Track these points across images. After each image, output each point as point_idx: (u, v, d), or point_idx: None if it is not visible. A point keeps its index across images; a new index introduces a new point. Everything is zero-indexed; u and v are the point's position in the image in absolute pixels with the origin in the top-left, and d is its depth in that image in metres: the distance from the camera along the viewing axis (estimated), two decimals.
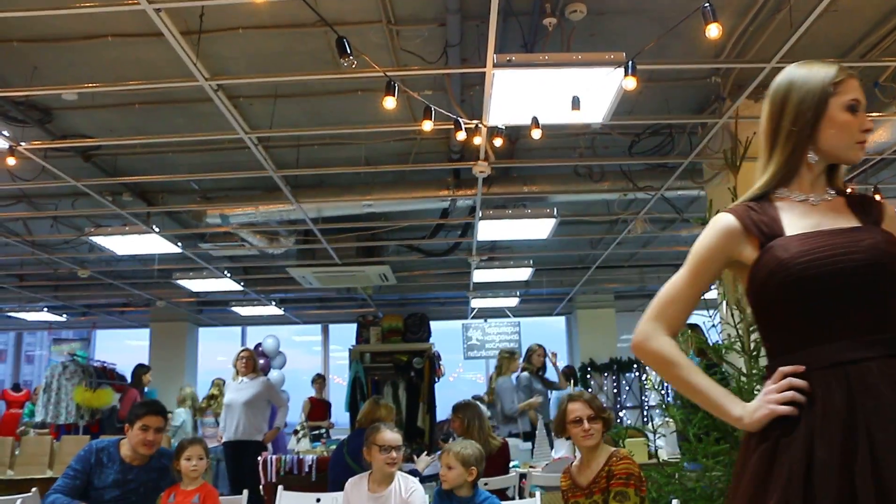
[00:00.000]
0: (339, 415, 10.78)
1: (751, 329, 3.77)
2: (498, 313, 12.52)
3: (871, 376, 1.58)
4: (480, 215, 6.76)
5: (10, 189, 6.43)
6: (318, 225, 7.30)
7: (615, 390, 12.35)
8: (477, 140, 4.80)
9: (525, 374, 8.07)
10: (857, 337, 1.62)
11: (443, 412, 10.03)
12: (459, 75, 4.76)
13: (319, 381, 11.00)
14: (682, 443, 4.31)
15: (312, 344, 14.43)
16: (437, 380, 10.69)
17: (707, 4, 3.31)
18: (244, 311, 12.18)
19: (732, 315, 3.75)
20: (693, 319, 2.77)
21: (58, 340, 12.53)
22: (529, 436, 7.20)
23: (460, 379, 11.41)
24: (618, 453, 3.67)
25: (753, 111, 5.16)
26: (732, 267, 1.82)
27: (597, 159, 6.16)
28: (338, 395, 11.92)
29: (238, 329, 14.18)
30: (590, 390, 10.62)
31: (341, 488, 4.27)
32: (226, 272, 9.28)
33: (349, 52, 3.46)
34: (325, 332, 14.23)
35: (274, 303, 11.68)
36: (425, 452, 5.81)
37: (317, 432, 9.05)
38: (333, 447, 6.35)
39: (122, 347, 14.71)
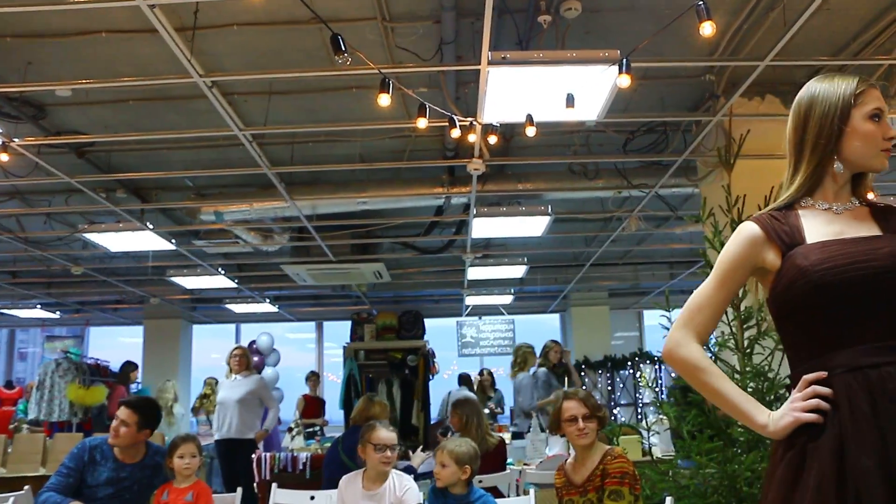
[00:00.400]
0: (334, 412, 10.78)
1: (744, 326, 3.78)
2: (492, 311, 12.53)
3: (891, 381, 1.61)
4: (475, 213, 6.76)
5: (4, 185, 6.42)
6: (313, 222, 7.30)
7: (609, 388, 12.37)
8: (471, 137, 4.80)
9: (543, 370, 8.09)
10: (877, 342, 1.66)
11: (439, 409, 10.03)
12: (454, 73, 4.76)
13: (314, 378, 10.99)
14: (676, 440, 4.31)
15: (307, 341, 14.42)
16: (431, 377, 10.70)
17: (701, 2, 3.31)
18: (238, 308, 12.16)
19: (726, 312, 3.76)
20: None
21: (51, 337, 12.49)
22: None
23: (454, 377, 11.41)
24: (612, 452, 3.68)
25: (747, 109, 5.18)
26: (757, 274, 1.87)
27: (591, 157, 6.17)
28: (332, 392, 11.91)
29: (232, 326, 14.16)
30: (584, 388, 10.66)
31: (336, 486, 4.27)
32: (220, 269, 9.27)
33: (344, 49, 3.45)
34: (320, 329, 14.23)
35: (268, 300, 11.67)
36: (421, 448, 5.81)
37: (311, 430, 9.04)
38: (327, 445, 6.36)
39: (116, 345, 14.70)
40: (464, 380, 10.83)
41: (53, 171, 5.78)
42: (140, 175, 6.39)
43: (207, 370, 10.62)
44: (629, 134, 5.80)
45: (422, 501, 4.10)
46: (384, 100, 3.86)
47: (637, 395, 12.39)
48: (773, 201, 1.91)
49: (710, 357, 3.90)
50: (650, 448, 6.01)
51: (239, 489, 4.56)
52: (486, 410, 8.79)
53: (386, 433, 4.14)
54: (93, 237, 7.26)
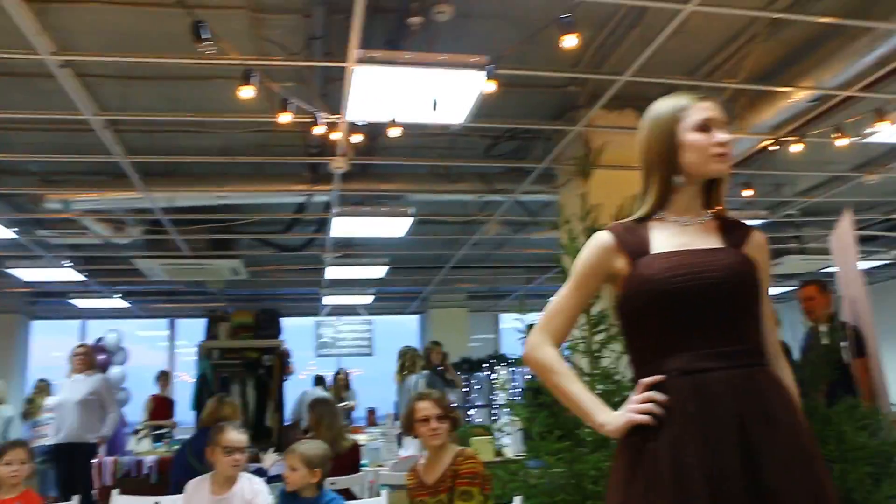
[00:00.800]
0: (185, 414, 10.44)
1: (594, 331, 3.92)
2: (351, 311, 12.47)
3: (716, 385, 1.74)
4: (336, 211, 6.71)
5: None
6: (168, 215, 7.03)
7: (466, 389, 12.54)
8: (335, 135, 4.76)
9: (427, 372, 8.11)
10: (708, 348, 1.78)
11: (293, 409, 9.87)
12: (322, 69, 4.71)
13: (164, 378, 10.61)
14: (527, 441, 4.42)
15: (158, 339, 13.88)
16: (287, 378, 10.54)
17: (566, 15, 3.43)
18: (84, 303, 11.55)
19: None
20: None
21: None
22: None
23: (311, 377, 11.29)
24: (463, 452, 3.73)
25: (607, 121, 5.38)
26: (610, 281, 1.96)
27: (455, 160, 6.25)
28: (185, 393, 11.52)
29: (77, 323, 13.42)
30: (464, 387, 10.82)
31: (183, 491, 4.14)
32: (65, 261, 8.78)
33: (206, 37, 3.36)
34: (172, 327, 13.74)
35: (118, 295, 11.15)
36: (273, 449, 5.70)
37: (159, 432, 8.72)
38: (177, 447, 6.14)
39: None
40: (319, 381, 10.74)
41: None
42: None
43: (48, 370, 10.05)
44: (493, 139, 5.91)
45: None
46: (247, 92, 3.78)
47: (492, 396, 12.62)
48: (627, 211, 2.03)
49: (567, 359, 4.04)
50: (502, 448, 6.14)
51: (75, 497, 4.33)
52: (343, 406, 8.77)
53: (236, 435, 4.04)
54: None
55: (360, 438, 7.55)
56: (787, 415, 1.77)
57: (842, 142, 5.14)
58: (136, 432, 8.32)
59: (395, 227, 7.20)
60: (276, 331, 10.72)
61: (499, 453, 5.97)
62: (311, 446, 3.94)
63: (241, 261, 8.53)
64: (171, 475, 5.21)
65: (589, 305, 3.91)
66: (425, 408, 3.78)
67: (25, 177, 6.45)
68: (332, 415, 5.22)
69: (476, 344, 13.30)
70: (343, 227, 7.24)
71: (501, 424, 5.56)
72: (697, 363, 1.76)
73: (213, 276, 9.23)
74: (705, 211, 1.95)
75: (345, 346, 12.31)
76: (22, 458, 4.14)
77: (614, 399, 3.77)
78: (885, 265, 10.69)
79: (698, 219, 1.93)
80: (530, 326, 3.36)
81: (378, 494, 4.68)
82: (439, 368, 8.47)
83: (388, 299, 12.40)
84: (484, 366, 12.52)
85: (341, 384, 10.57)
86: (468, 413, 12.18)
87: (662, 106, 1.96)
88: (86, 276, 9.41)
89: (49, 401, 8.68)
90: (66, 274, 9.13)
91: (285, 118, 4.12)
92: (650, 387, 1.78)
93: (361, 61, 3.83)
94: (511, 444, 6.12)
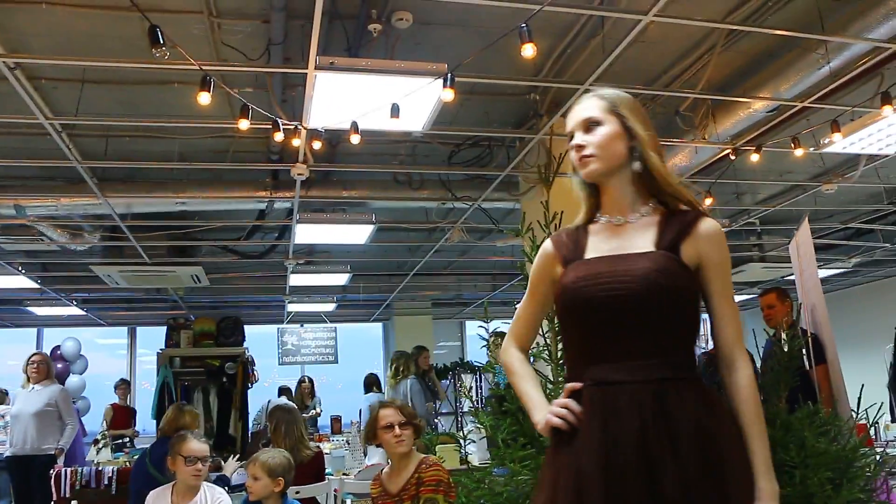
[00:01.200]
0: (147, 422, 10.29)
1: (558, 339, 3.91)
2: (314, 318, 12.38)
3: (621, 398, 1.73)
4: (298, 218, 6.65)
5: None
6: (127, 221, 6.92)
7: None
8: (296, 142, 4.72)
9: (414, 378, 8.10)
10: (617, 361, 1.77)
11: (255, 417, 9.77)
12: (281, 75, 4.66)
13: (123, 386, 10.45)
14: (492, 448, 4.41)
15: (118, 347, 13.67)
16: (250, 386, 10.44)
17: (524, 25, 3.42)
18: (41, 310, 11.33)
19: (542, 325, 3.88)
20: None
21: None
22: None
23: (275, 385, 11.19)
24: (427, 460, 3.72)
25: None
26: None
27: (417, 167, 6.23)
28: (146, 401, 11.35)
29: (34, 331, 13.17)
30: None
31: (143, 501, 4.08)
32: (20, 268, 8.60)
33: (161, 42, 3.30)
34: (133, 334, 13.53)
35: (75, 303, 10.95)
36: (234, 457, 5.62)
37: (119, 441, 8.60)
38: (137, 457, 6.05)
39: None
40: (283, 391, 10.65)
41: None
42: None
43: (2, 379, 9.84)
44: (455, 147, 5.90)
45: None
46: (204, 98, 3.73)
47: (458, 404, 12.58)
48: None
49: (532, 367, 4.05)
50: (466, 456, 6.12)
51: None
52: (308, 416, 8.70)
53: (197, 444, 3.99)
54: None
55: (325, 447, 7.50)
56: (698, 429, 1.70)
57: (799, 152, 5.20)
58: (96, 442, 8.20)
59: (358, 234, 7.17)
60: (238, 338, 10.62)
61: (465, 461, 5.94)
62: (273, 455, 3.92)
63: (201, 268, 8.43)
64: (131, 485, 5.15)
65: (552, 313, 3.93)
66: (388, 415, 3.78)
67: None
68: (291, 422, 5.17)
69: (441, 351, 13.28)
70: (305, 234, 7.19)
71: (468, 432, 5.53)
72: (609, 375, 1.76)
73: (173, 283, 9.11)
74: (645, 205, 1.90)
75: (308, 354, 12.21)
76: None
77: None
78: (844, 273, 10.86)
79: (634, 215, 1.89)
80: (496, 333, 3.38)
81: (343, 503, 4.65)
82: (425, 372, 8.49)
83: (352, 307, 12.33)
84: (449, 373, 12.48)
85: (305, 392, 10.49)
86: (434, 421, 12.14)
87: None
88: (39, 283, 9.22)
89: (1, 409, 8.50)
90: (21, 281, 8.95)
91: (244, 124, 4.07)
92: (570, 393, 1.81)
93: (321, 68, 3.80)
94: (476, 452, 6.10)
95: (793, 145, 5.21)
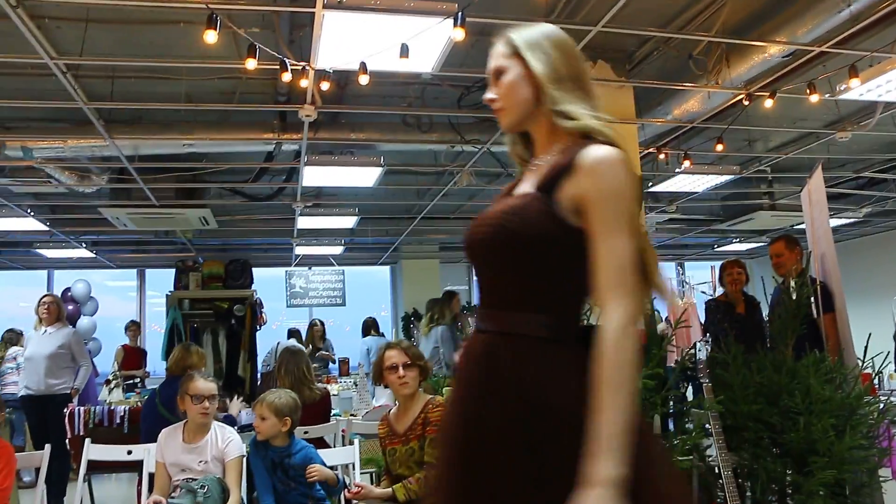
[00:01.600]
0: (157, 363, 10.40)
1: None
2: (322, 261, 12.41)
3: (475, 350, 1.68)
4: (306, 160, 6.62)
5: None
6: (134, 163, 6.89)
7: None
8: (304, 83, 4.66)
9: (445, 326, 8.13)
10: (482, 308, 1.71)
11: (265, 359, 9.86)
12: (289, 14, 4.59)
13: (134, 328, 10.54)
14: None
15: (128, 289, 13.75)
16: (258, 328, 10.52)
17: None
18: (51, 253, 11.38)
19: None
20: None
21: None
22: None
23: (283, 327, 11.27)
24: (434, 401, 3.75)
25: None
26: None
27: (426, 110, 6.16)
28: (156, 342, 11.47)
29: (44, 273, 13.25)
30: (413, 340, 10.82)
31: (155, 439, 4.15)
32: (29, 210, 8.62)
33: None
34: (142, 277, 13.59)
35: (85, 245, 10.99)
36: (238, 397, 5.70)
37: (130, 382, 8.72)
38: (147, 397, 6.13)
39: None
40: (293, 333, 10.72)
41: None
42: None
43: (14, 320, 9.93)
44: (464, 89, 5.83)
45: (245, 453, 4.05)
46: (210, 37, 3.67)
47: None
48: None
49: None
50: None
51: (48, 446, 4.31)
52: (316, 364, 8.76)
53: (204, 384, 4.05)
54: None
55: (333, 388, 7.59)
56: (518, 395, 1.54)
57: (814, 98, 5.12)
58: (108, 382, 8.31)
59: (366, 176, 7.13)
60: (247, 281, 10.65)
61: None
62: (280, 395, 3.97)
63: (209, 210, 8.42)
64: (142, 424, 5.22)
65: None
66: (392, 356, 3.81)
67: None
68: (294, 362, 5.21)
69: None
70: (313, 176, 7.15)
71: None
72: (477, 322, 1.72)
73: (181, 225, 9.11)
74: (561, 143, 1.71)
75: (316, 297, 12.27)
76: None
77: None
78: (855, 223, 10.80)
79: (547, 157, 1.72)
80: None
81: (351, 443, 4.71)
82: (457, 321, 8.51)
83: (360, 250, 12.35)
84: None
85: (317, 334, 10.56)
86: None
87: None
88: (48, 225, 9.24)
89: (11, 351, 8.61)
90: (30, 223, 8.97)
91: (252, 64, 4.02)
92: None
93: (329, 6, 3.74)
94: None
95: (808, 91, 5.12)
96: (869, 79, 4.91)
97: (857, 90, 5.04)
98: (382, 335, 10.22)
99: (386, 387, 3.92)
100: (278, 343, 9.40)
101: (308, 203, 8.58)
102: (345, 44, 4.17)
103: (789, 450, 3.89)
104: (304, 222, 9.36)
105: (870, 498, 3.97)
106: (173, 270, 10.66)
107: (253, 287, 10.60)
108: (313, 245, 11.22)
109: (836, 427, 3.80)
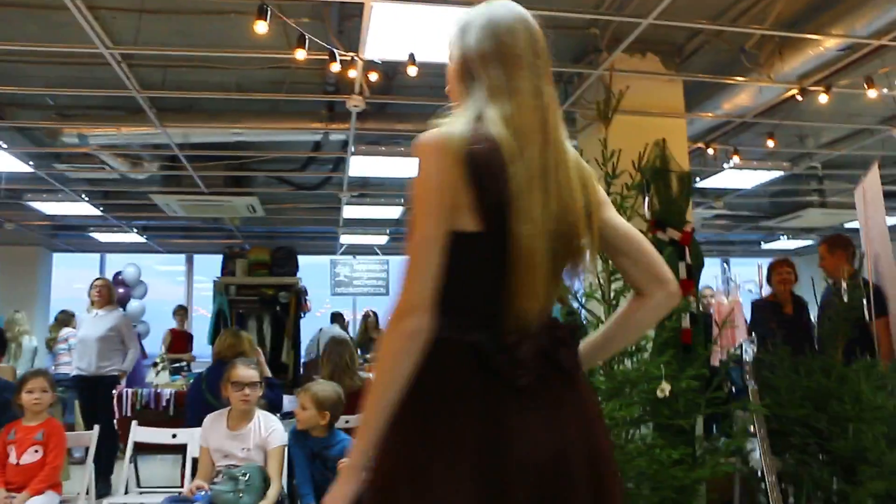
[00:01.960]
0: (203, 348, 10.56)
1: (612, 278, 3.88)
2: (367, 250, 12.47)
3: None
4: (353, 150, 6.65)
5: None
6: (185, 151, 7.00)
7: None
8: (352, 73, 4.68)
9: None
10: None
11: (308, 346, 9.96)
12: (338, 4, 4.60)
13: (181, 312, 10.72)
14: None
15: (176, 274, 13.99)
16: (303, 315, 10.61)
17: None
18: (103, 237, 11.62)
19: (595, 264, 3.85)
20: None
21: None
22: None
23: (327, 315, 11.34)
24: None
25: (628, 65, 5.25)
26: None
27: None
28: (202, 327, 11.64)
29: (97, 256, 13.54)
30: None
31: (199, 424, 4.19)
32: (83, 195, 8.80)
33: None
34: (190, 262, 13.82)
35: (136, 230, 11.20)
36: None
37: (177, 365, 8.85)
38: (193, 381, 6.23)
39: None
40: (336, 318, 10.79)
41: None
42: None
43: (69, 301, 10.16)
44: None
45: (286, 442, 4.08)
46: (261, 27, 3.71)
47: None
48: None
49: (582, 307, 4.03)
50: None
51: (96, 427, 4.40)
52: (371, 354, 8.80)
53: (244, 371, 4.07)
54: None
55: None
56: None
57: (872, 93, 4.99)
58: (155, 365, 8.46)
59: (412, 167, 7.13)
60: (292, 268, 10.74)
61: None
62: (324, 387, 3.98)
63: (257, 198, 8.51)
64: (187, 409, 5.29)
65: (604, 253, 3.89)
66: None
67: (42, 110, 6.42)
68: (339, 353, 5.25)
69: None
70: (360, 166, 7.19)
71: None
72: None
73: (229, 212, 9.23)
74: None
75: (360, 286, 12.35)
76: (43, 387, 4.21)
77: (630, 348, 3.77)
78: None
79: None
80: None
81: None
82: None
83: (404, 239, 12.38)
84: None
85: (371, 325, 10.61)
86: None
87: None
88: (101, 210, 9.43)
89: (64, 332, 8.80)
90: (85, 208, 9.17)
91: (301, 55, 4.05)
92: None
93: None
94: None
95: (866, 86, 5.00)
96: None
97: None
98: None
99: None
100: (321, 329, 9.48)
101: (354, 193, 8.63)
102: (393, 34, 4.17)
103: (837, 457, 3.80)
104: (349, 211, 9.42)
105: None
106: (221, 256, 10.81)
107: (298, 275, 10.69)
108: (358, 234, 11.28)
109: (887, 436, 3.71)
